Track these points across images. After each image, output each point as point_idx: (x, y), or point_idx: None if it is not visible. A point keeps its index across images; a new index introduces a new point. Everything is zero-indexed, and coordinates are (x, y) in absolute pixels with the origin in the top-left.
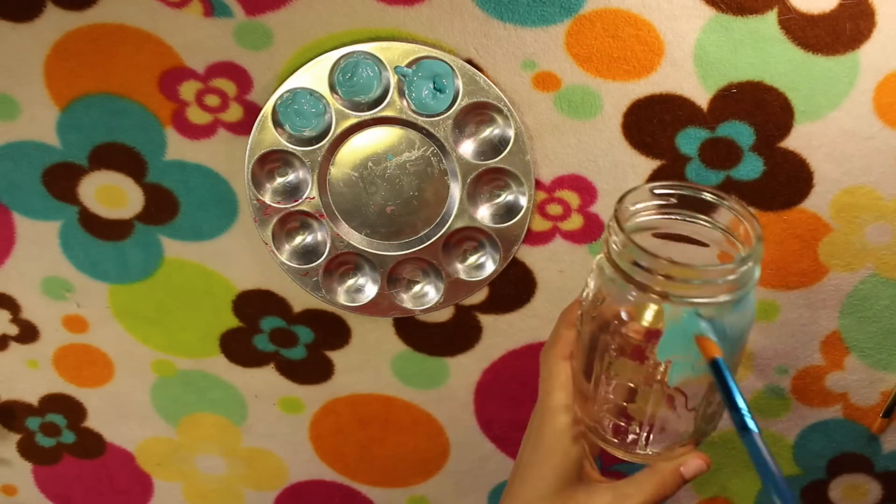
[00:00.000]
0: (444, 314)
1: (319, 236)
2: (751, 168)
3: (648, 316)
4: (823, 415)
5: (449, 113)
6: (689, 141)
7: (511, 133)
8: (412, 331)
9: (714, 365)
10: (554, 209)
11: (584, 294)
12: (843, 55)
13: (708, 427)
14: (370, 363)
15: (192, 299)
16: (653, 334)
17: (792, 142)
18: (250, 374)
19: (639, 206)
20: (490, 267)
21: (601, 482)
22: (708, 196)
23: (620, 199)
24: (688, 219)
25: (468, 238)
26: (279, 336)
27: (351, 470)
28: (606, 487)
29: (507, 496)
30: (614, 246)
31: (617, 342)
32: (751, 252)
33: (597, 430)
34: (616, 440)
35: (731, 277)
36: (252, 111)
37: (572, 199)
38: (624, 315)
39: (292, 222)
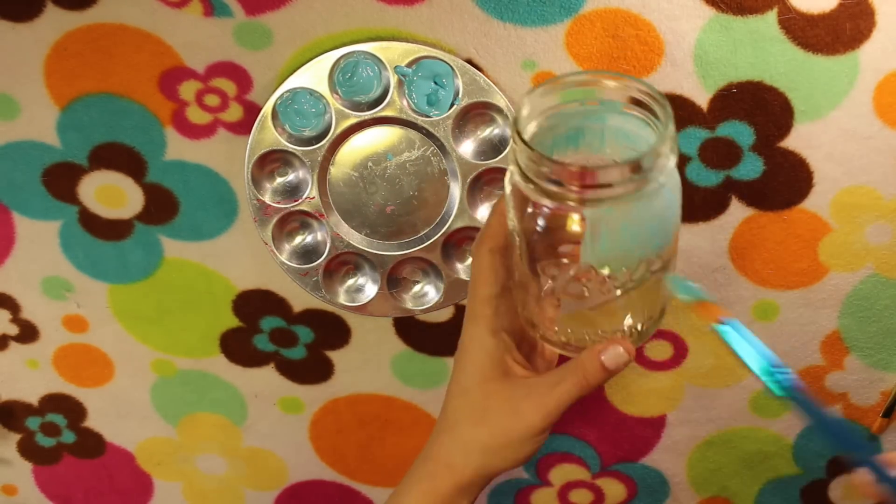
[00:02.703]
0: (444, 314)
1: (319, 236)
2: (751, 168)
3: (573, 226)
4: None
5: (449, 113)
6: (689, 141)
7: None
8: (412, 331)
9: (722, 329)
10: None
11: (507, 204)
12: (843, 55)
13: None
14: (370, 363)
15: (192, 299)
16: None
17: (792, 142)
18: (250, 374)
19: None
20: None
21: (525, 377)
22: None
23: (517, 111)
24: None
25: (468, 238)
26: (279, 336)
27: (351, 470)
28: (526, 380)
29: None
30: (520, 159)
31: (543, 247)
32: (656, 139)
33: (540, 330)
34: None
35: (638, 174)
36: (252, 111)
37: None
38: (542, 223)
39: (292, 222)
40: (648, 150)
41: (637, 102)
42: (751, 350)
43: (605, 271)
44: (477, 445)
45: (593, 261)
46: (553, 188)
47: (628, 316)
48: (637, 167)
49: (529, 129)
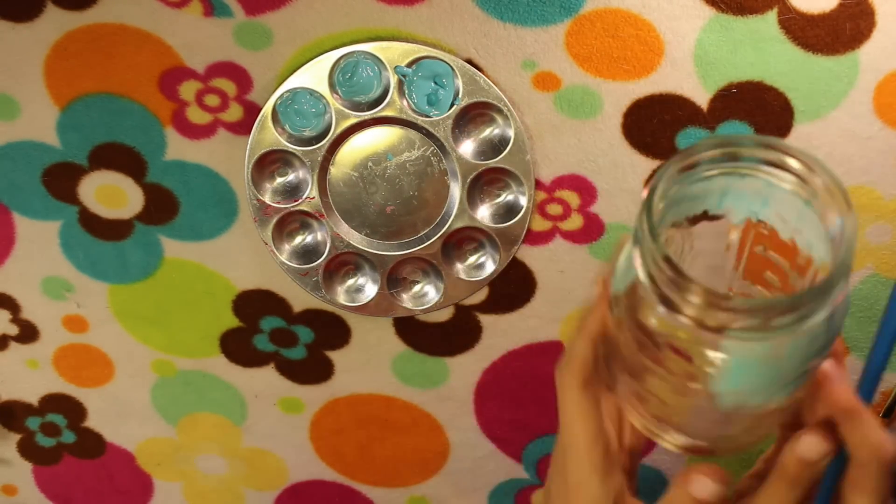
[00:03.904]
0: (444, 314)
1: (319, 236)
2: None
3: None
4: None
5: (449, 113)
6: (690, 141)
7: (511, 133)
8: (412, 331)
9: None
10: (554, 209)
11: (614, 289)
12: (843, 55)
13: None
14: (370, 363)
15: (192, 299)
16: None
17: (792, 142)
18: (250, 374)
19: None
20: (490, 267)
21: None
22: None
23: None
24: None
25: (468, 238)
26: (279, 336)
27: (351, 470)
28: None
29: None
30: (648, 257)
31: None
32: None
33: (648, 427)
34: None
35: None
36: (252, 111)
37: (572, 199)
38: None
39: (292, 222)
40: (828, 280)
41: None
42: None
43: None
44: None
45: (722, 400)
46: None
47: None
48: (802, 303)
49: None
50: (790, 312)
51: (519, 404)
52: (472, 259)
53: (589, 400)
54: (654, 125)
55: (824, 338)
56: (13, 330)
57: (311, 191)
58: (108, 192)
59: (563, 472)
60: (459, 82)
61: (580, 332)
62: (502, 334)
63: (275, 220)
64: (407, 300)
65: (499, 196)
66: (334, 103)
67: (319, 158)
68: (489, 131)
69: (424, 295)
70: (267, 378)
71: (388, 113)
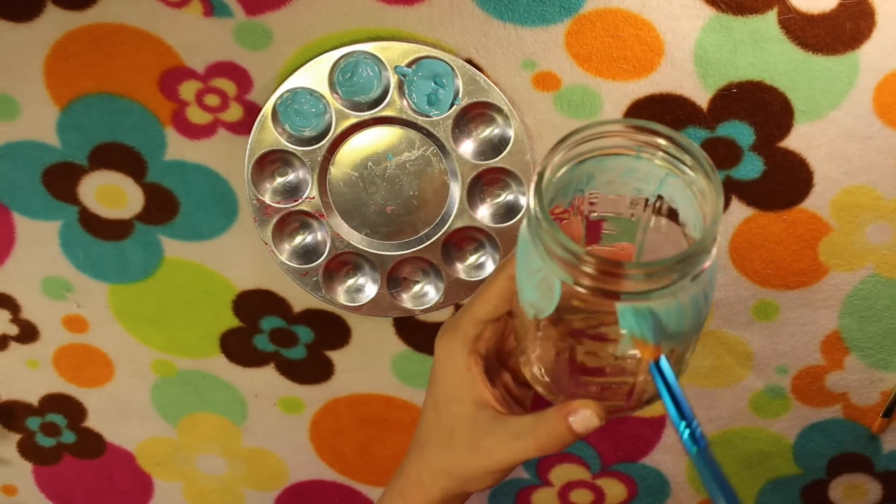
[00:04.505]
0: (444, 314)
1: (319, 236)
2: (751, 168)
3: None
4: (823, 415)
5: (449, 113)
6: None
7: (511, 133)
8: (412, 331)
9: (655, 367)
10: None
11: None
12: (843, 55)
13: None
14: (370, 363)
15: (192, 299)
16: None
17: (792, 142)
18: (250, 374)
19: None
20: (490, 267)
21: (493, 410)
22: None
23: (538, 179)
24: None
25: (468, 238)
26: (279, 336)
27: (351, 470)
28: (493, 416)
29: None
30: (544, 238)
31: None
32: (702, 238)
33: (530, 366)
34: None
35: (675, 273)
36: (252, 111)
37: None
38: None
39: (292, 222)
40: (699, 244)
41: (674, 158)
42: (675, 397)
43: (633, 353)
44: (441, 468)
45: (622, 349)
46: (585, 281)
47: (638, 384)
48: (687, 260)
49: (550, 194)
50: (669, 273)
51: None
52: (472, 259)
53: (506, 292)
54: None
55: (702, 297)
56: (13, 330)
57: (311, 191)
58: (108, 192)
59: (439, 341)
60: (459, 82)
61: (470, 308)
62: None
63: (275, 220)
64: (407, 300)
65: (499, 196)
66: (334, 103)
67: (319, 158)
68: (489, 131)
69: (424, 295)
70: (267, 378)
71: (388, 113)
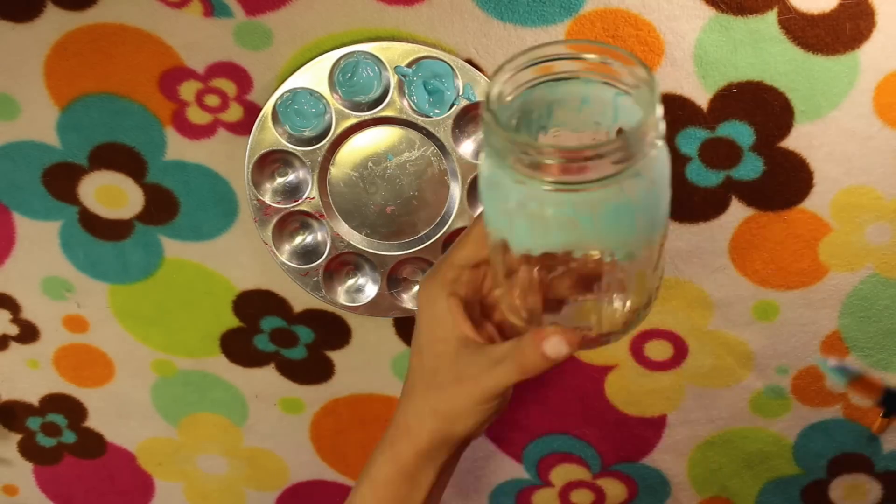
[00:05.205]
0: None
1: (319, 236)
2: (751, 168)
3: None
4: (824, 415)
5: (449, 113)
6: (689, 141)
7: None
8: (412, 331)
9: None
10: None
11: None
12: (843, 55)
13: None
14: (370, 363)
15: (192, 299)
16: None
17: (792, 142)
18: (251, 374)
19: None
20: None
21: (475, 342)
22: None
23: (488, 91)
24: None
25: None
26: (279, 336)
27: (352, 470)
28: (475, 347)
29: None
30: (495, 143)
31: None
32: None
33: (505, 300)
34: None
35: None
36: (252, 111)
37: None
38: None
39: (292, 222)
40: (635, 125)
41: (616, 75)
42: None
43: (595, 255)
44: (428, 408)
45: (578, 247)
46: (549, 177)
47: (605, 305)
48: (624, 146)
49: (503, 110)
50: (620, 151)
51: (519, 404)
52: None
53: (482, 237)
54: None
55: (654, 182)
56: (13, 330)
57: (312, 191)
58: (109, 192)
59: (421, 288)
60: (459, 82)
61: (448, 255)
62: None
63: (275, 220)
64: (407, 300)
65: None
66: (334, 103)
67: (319, 158)
68: None
69: None
70: (267, 378)
71: (388, 113)
